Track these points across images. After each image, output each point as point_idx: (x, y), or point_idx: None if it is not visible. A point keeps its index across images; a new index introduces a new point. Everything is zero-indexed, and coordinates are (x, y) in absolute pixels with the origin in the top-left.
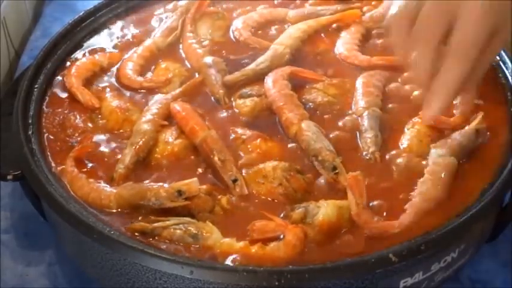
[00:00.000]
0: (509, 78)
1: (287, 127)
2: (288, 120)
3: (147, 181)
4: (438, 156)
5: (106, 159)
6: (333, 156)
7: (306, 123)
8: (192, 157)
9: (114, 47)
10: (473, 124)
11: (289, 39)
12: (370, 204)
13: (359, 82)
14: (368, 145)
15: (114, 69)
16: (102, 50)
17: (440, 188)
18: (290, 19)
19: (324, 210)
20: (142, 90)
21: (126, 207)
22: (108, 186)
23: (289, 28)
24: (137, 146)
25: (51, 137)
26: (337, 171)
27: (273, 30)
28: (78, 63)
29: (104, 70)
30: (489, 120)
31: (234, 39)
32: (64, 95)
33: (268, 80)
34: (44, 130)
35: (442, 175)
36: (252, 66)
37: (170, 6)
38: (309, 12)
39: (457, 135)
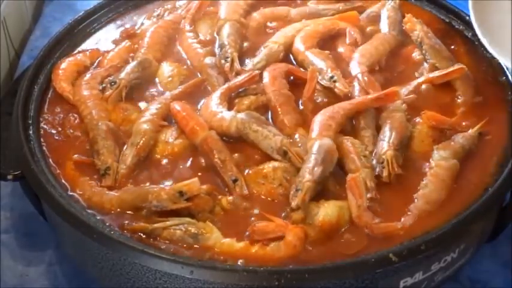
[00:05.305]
0: (509, 78)
1: (280, 128)
2: (282, 122)
3: (148, 184)
4: (441, 159)
5: None
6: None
7: (299, 136)
8: (192, 157)
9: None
10: (477, 128)
11: (283, 38)
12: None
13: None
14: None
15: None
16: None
17: (442, 191)
18: (292, 18)
19: (324, 210)
20: None
21: (127, 210)
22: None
23: (286, 27)
24: (138, 146)
25: (51, 137)
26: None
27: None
28: (62, 66)
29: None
30: (489, 119)
31: None
32: None
33: (266, 76)
34: (44, 130)
35: (445, 178)
36: (250, 67)
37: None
38: (311, 11)
39: (459, 138)
